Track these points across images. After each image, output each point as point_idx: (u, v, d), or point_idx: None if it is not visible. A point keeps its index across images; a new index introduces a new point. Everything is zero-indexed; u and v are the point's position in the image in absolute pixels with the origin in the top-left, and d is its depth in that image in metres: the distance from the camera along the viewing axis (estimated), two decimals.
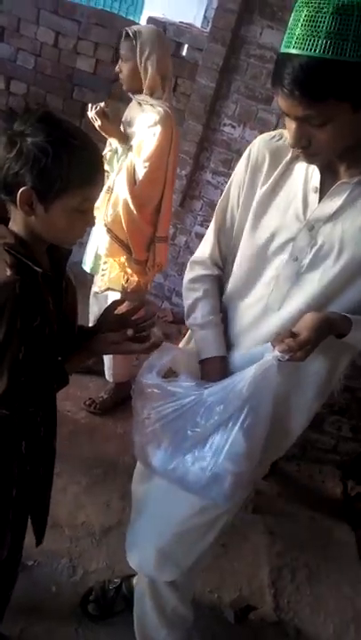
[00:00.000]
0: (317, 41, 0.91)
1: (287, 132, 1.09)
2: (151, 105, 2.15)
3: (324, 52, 0.91)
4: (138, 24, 3.39)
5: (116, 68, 2.22)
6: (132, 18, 4.00)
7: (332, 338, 1.14)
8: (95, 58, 3.39)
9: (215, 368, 1.27)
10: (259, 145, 1.23)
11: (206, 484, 1.16)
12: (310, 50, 0.91)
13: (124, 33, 2.15)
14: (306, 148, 1.05)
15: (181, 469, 1.16)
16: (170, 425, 1.17)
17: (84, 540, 1.99)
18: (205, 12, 6.86)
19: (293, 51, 0.93)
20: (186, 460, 1.14)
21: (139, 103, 2.22)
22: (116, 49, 3.23)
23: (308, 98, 0.94)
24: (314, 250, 1.14)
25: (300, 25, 0.93)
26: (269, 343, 1.12)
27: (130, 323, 1.26)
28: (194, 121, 3.13)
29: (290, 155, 1.18)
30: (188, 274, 1.40)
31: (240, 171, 1.27)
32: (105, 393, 2.65)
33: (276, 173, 1.20)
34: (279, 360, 1.08)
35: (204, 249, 1.38)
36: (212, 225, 1.37)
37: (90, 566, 1.91)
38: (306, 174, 1.16)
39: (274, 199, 1.20)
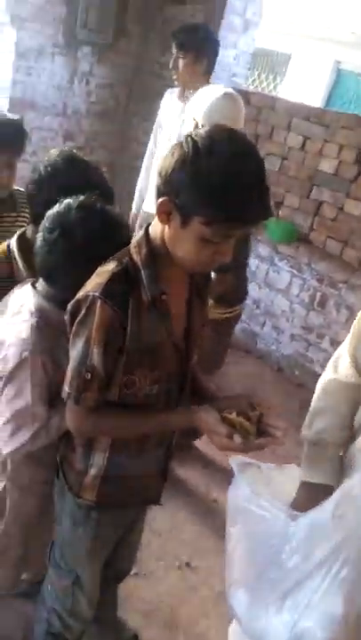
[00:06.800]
0: None
1: None
2: None
3: None
4: None
5: None
6: None
7: None
8: (338, 159, 3.42)
9: (315, 497, 1.06)
10: None
11: None
12: None
13: None
14: None
15: (262, 622, 1.00)
16: (254, 562, 1.03)
17: None
18: None
19: None
20: (268, 610, 0.92)
21: None
22: None
23: None
24: None
25: None
26: None
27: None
28: None
29: None
30: (328, 370, 1.24)
31: None
32: None
33: None
34: None
35: (348, 347, 1.21)
36: None
37: None
38: None
39: None
